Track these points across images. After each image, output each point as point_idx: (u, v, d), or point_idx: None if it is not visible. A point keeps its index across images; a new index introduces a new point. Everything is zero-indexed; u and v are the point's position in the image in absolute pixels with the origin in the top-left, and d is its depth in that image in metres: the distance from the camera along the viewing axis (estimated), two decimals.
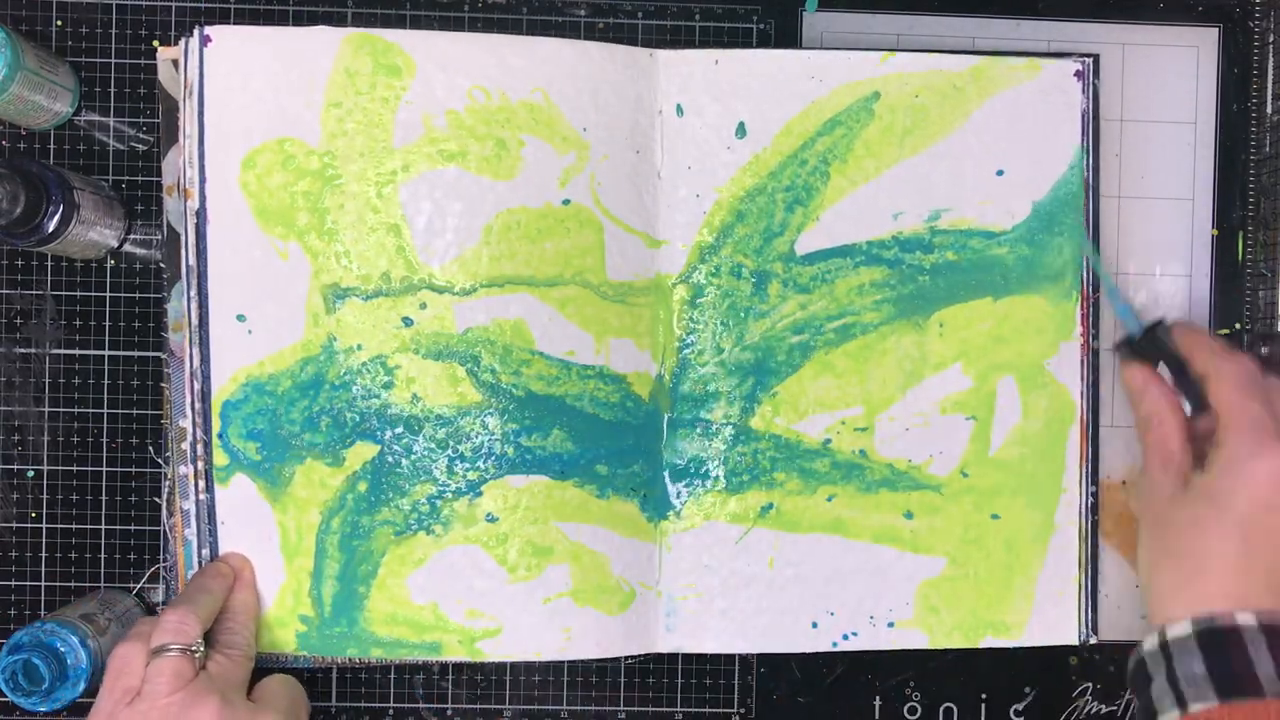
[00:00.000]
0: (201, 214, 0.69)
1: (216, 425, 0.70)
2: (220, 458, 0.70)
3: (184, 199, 0.69)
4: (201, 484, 0.70)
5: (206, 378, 0.70)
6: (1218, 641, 0.61)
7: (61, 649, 0.66)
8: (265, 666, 0.72)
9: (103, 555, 0.75)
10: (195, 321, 0.69)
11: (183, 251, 0.69)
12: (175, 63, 0.69)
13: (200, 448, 0.70)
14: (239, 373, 0.70)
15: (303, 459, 0.70)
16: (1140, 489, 0.70)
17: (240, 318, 0.69)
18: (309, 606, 0.71)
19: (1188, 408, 0.69)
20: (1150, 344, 0.70)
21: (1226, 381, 0.66)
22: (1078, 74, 0.73)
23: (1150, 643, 0.63)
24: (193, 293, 0.69)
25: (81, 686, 0.66)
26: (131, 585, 0.74)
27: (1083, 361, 0.74)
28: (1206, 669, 0.60)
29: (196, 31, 0.68)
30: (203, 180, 0.69)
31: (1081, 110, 0.73)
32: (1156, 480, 0.68)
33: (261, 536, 0.71)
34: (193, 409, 0.70)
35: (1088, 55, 0.73)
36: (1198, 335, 0.70)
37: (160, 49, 0.70)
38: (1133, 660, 0.65)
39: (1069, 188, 0.73)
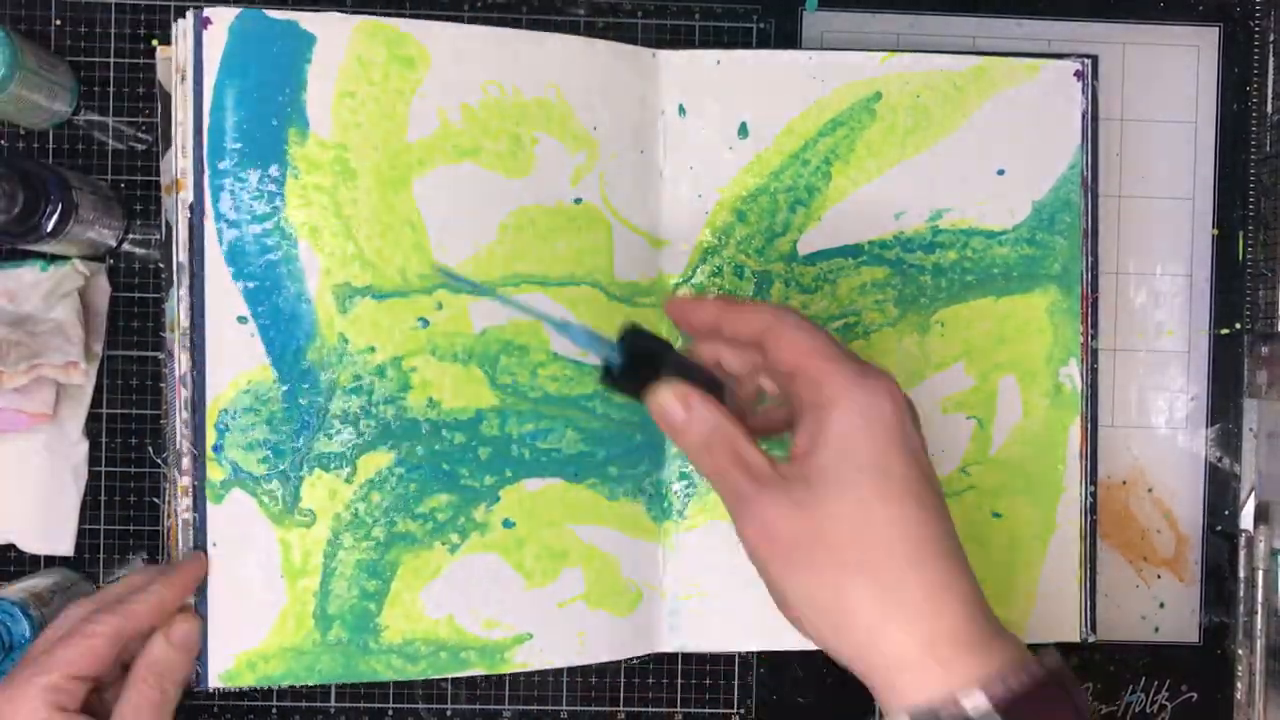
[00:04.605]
0: (197, 208, 0.65)
1: (212, 437, 0.66)
2: (216, 471, 0.66)
3: (175, 191, 0.65)
4: (188, 502, 0.65)
5: (200, 385, 0.65)
6: None
7: (3, 619, 0.65)
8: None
9: (102, 555, 0.73)
10: (186, 324, 0.65)
11: (174, 248, 0.66)
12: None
13: (187, 461, 0.65)
14: (240, 378, 0.66)
15: (311, 470, 0.67)
16: (743, 535, 0.52)
17: (242, 319, 0.66)
18: (314, 630, 0.67)
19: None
20: (641, 358, 0.56)
21: (786, 328, 0.53)
22: (1077, 74, 0.74)
23: None
24: (183, 292, 0.65)
25: None
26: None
27: (1082, 361, 0.74)
28: None
29: (192, 14, 0.64)
30: (199, 171, 0.65)
31: (1081, 110, 0.74)
32: (753, 506, 0.51)
33: (260, 558, 0.66)
34: (182, 419, 0.65)
35: (1087, 56, 0.74)
36: (686, 306, 0.57)
37: (160, 47, 0.68)
38: None
39: (1069, 187, 0.74)
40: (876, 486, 0.49)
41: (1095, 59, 0.74)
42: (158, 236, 0.72)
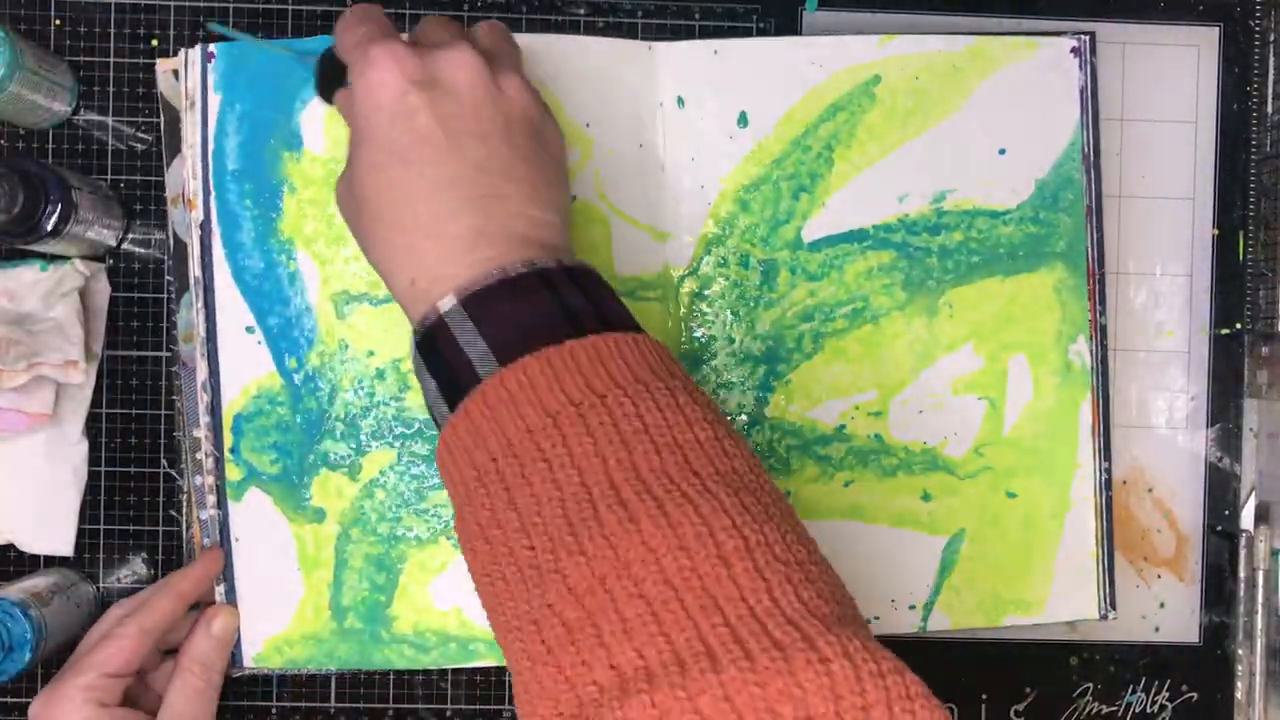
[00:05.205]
0: (206, 226, 0.68)
1: (229, 440, 0.69)
2: (234, 472, 0.69)
3: (188, 210, 0.68)
4: (213, 499, 0.70)
5: (216, 390, 0.69)
6: (433, 342, 0.54)
7: (3, 619, 0.65)
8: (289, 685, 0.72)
9: (102, 555, 0.74)
10: (204, 334, 0.69)
11: (190, 263, 0.69)
12: (175, 73, 0.68)
13: (211, 462, 0.69)
14: (250, 384, 0.69)
15: (319, 469, 0.70)
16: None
17: (250, 329, 0.69)
18: (330, 619, 0.70)
19: None
20: (333, 71, 0.63)
21: (341, 21, 0.60)
22: (1074, 50, 0.73)
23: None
24: (200, 305, 0.69)
25: (27, 656, 0.65)
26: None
27: (1091, 338, 0.74)
28: (435, 381, 0.54)
29: (200, 47, 0.68)
30: (206, 193, 0.68)
31: (1080, 87, 0.73)
32: (339, 179, 0.61)
33: (278, 551, 0.70)
34: (204, 423, 0.69)
35: (1084, 32, 0.74)
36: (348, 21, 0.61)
37: (160, 60, 0.69)
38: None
39: (1071, 164, 0.73)
40: (366, 161, 0.57)
41: (1092, 35, 0.74)
42: (157, 236, 0.73)
